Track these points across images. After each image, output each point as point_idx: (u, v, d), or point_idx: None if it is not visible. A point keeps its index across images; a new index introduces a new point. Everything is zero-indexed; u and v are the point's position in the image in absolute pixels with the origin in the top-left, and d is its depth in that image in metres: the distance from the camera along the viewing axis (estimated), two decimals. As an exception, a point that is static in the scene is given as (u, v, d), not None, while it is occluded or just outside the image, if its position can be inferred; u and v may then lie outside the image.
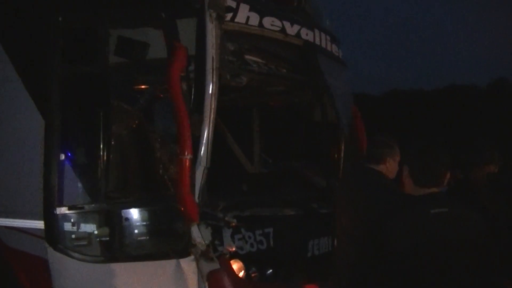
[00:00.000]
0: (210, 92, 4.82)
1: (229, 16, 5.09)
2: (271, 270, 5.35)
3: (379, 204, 4.43)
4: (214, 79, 4.84)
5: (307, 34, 5.90)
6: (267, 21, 5.45)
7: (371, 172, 4.91)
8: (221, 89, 4.98)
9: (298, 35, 5.79)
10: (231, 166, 7.40)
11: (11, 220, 5.31)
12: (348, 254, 4.86)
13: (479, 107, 29.06)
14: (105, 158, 4.84)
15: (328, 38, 6.30)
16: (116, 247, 4.71)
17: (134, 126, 5.25)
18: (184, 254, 4.78)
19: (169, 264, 4.74)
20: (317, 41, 6.05)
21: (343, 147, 6.26)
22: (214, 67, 4.85)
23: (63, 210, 4.66)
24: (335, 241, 5.43)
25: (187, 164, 4.65)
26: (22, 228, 5.22)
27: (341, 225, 5.00)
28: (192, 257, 4.78)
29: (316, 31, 6.05)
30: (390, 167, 4.95)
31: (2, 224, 5.35)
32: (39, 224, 4.78)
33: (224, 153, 7.35)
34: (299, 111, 7.26)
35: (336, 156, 6.35)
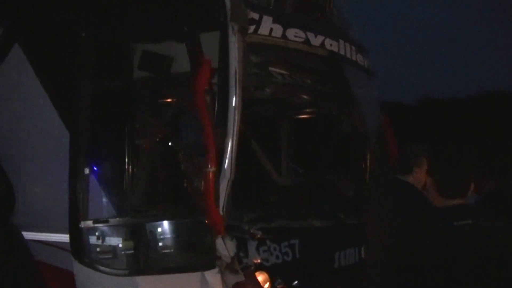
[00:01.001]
0: (234, 105, 4.82)
1: (252, 28, 5.09)
2: (296, 282, 5.33)
3: (405, 216, 4.40)
4: (238, 92, 4.84)
5: (331, 45, 5.87)
6: (291, 32, 5.44)
7: (399, 183, 4.87)
8: (246, 102, 4.98)
9: (322, 45, 5.77)
10: (260, 178, 7.39)
11: (39, 234, 5.36)
12: (378, 264, 4.82)
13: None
14: (130, 171, 4.87)
15: (354, 47, 6.27)
16: (141, 260, 4.72)
17: (159, 139, 5.28)
18: (209, 266, 4.77)
19: (194, 277, 4.74)
20: (342, 51, 6.03)
21: (370, 158, 6.23)
22: (238, 80, 4.84)
23: (88, 223, 4.68)
24: (365, 251, 5.41)
25: (212, 176, 4.65)
26: (50, 241, 5.27)
27: (371, 235, 4.97)
28: (217, 269, 4.78)
29: (341, 41, 6.02)
30: (417, 176, 4.92)
31: (31, 238, 5.40)
32: (66, 238, 4.80)
33: (253, 165, 7.36)
34: (327, 121, 7.23)
35: (364, 166, 6.32)
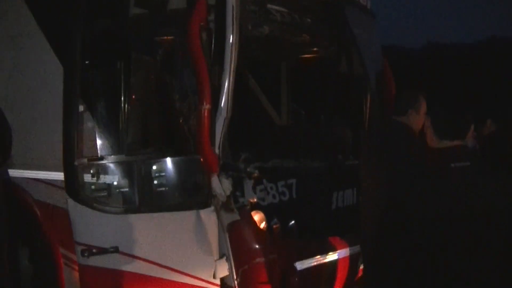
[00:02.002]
0: (231, 42, 4.75)
1: (249, -37, 4.98)
2: (293, 222, 5.32)
3: (397, 158, 4.39)
4: (235, 29, 4.76)
5: (332, -18, 5.75)
6: (290, -31, 5.32)
7: (395, 124, 4.83)
8: (243, 40, 4.89)
9: (322, -17, 5.66)
10: (258, 118, 7.33)
11: (35, 172, 5.33)
12: (373, 207, 4.79)
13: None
14: (125, 109, 4.79)
15: (355, -14, 6.15)
16: (136, 198, 4.69)
17: (154, 78, 5.19)
18: (204, 205, 4.76)
19: (189, 215, 4.72)
20: (343, -11, 5.90)
21: (369, 100, 6.15)
22: (235, 16, 4.76)
23: (83, 161, 4.62)
24: (361, 194, 5.37)
25: (206, 114, 4.60)
26: (46, 179, 5.24)
27: (368, 178, 4.92)
28: (212, 208, 4.76)
29: (343, -21, 5.90)
30: (412, 119, 4.88)
31: (26, 176, 5.37)
32: (61, 176, 4.76)
33: (251, 105, 7.30)
34: (327, 63, 7.13)
35: (362, 109, 6.25)
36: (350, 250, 5.68)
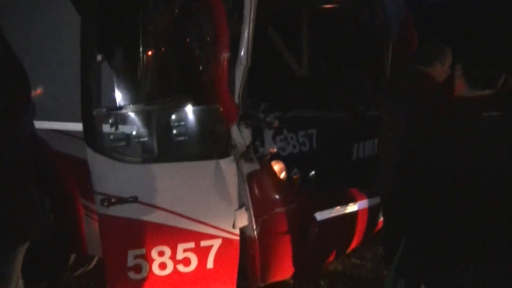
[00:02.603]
0: (251, -11, 4.65)
1: None
2: (313, 172, 5.28)
3: (424, 108, 4.33)
4: (255, -23, 4.65)
5: None
6: None
7: (419, 74, 4.74)
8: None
9: None
10: (279, 68, 7.26)
11: (54, 122, 5.32)
12: (393, 156, 4.74)
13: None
14: (143, 58, 4.74)
15: None
16: (155, 148, 4.66)
17: (173, 26, 5.11)
18: (224, 155, 4.72)
19: (208, 165, 4.69)
20: None
21: (391, 50, 6.06)
22: None
23: (102, 111, 4.59)
24: (381, 144, 5.31)
25: (226, 63, 4.54)
26: (65, 130, 5.23)
27: (387, 127, 4.86)
28: (232, 157, 4.72)
29: None
30: (437, 70, 4.79)
31: (46, 127, 5.36)
32: (80, 126, 4.73)
33: (272, 55, 7.22)
34: (349, 13, 7.02)
35: (384, 59, 6.15)
36: (370, 201, 5.64)
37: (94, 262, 5.89)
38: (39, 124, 5.24)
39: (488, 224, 3.46)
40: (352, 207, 5.50)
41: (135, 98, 4.74)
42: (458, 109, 3.67)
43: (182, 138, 4.73)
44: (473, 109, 3.58)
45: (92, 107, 4.60)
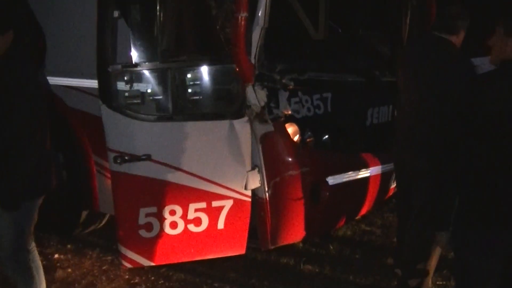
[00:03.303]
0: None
1: None
2: (327, 136, 5.26)
3: (459, 69, 4.34)
4: None
5: None
6: None
7: (443, 41, 4.66)
8: None
9: None
10: (296, 31, 7.20)
11: (69, 79, 5.32)
12: (410, 121, 4.71)
13: None
14: (159, 16, 4.70)
15: None
16: (170, 106, 4.65)
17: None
18: (238, 115, 4.71)
19: (222, 125, 4.68)
20: None
21: (409, 15, 5.99)
22: None
23: (117, 68, 4.57)
24: (396, 110, 5.29)
25: (243, 23, 4.49)
26: (80, 87, 5.23)
27: (404, 92, 4.82)
28: (246, 118, 4.71)
29: None
30: (460, 38, 4.73)
31: (61, 83, 5.36)
32: (95, 83, 4.72)
33: (289, 18, 7.16)
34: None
35: (402, 24, 6.09)
36: (382, 167, 5.63)
37: (105, 220, 5.93)
38: (54, 80, 5.27)
39: None
40: (364, 173, 5.49)
41: (150, 56, 4.71)
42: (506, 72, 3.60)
43: (197, 97, 4.72)
44: None
45: (108, 64, 4.58)
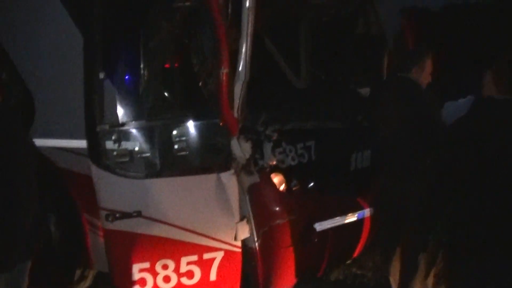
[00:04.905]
0: (248, 5, 4.72)
1: None
2: (312, 184, 5.36)
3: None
4: (251, -7, 4.74)
5: None
6: None
7: (399, 80, 4.92)
8: (260, 2, 4.88)
9: None
10: (277, 81, 7.32)
11: (58, 140, 5.41)
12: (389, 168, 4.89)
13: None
14: (145, 74, 4.85)
15: None
16: (157, 163, 4.76)
17: (173, 42, 5.21)
18: (224, 168, 4.81)
19: (209, 178, 4.77)
20: None
21: (386, 60, 6.16)
22: None
23: (105, 127, 4.69)
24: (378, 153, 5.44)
25: (225, 78, 4.63)
26: (69, 147, 5.32)
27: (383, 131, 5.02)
28: (232, 171, 4.80)
29: None
30: (417, 75, 4.98)
31: (50, 145, 5.45)
32: (84, 143, 4.83)
33: (270, 67, 7.28)
34: (345, 23, 7.11)
35: (380, 68, 6.26)
36: (369, 211, 5.72)
37: (89, 280, 5.96)
38: (44, 142, 5.36)
39: None
40: (351, 217, 5.58)
41: (136, 114, 4.84)
42: (488, 112, 3.73)
43: (184, 152, 4.82)
44: (502, 112, 3.67)
45: (96, 124, 4.70)
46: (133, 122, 4.79)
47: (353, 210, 5.60)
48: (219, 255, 4.87)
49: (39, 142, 5.31)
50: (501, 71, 3.75)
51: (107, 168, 4.71)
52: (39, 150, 5.32)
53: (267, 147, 5.01)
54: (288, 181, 5.12)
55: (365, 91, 6.53)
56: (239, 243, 4.90)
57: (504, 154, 3.52)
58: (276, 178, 5.04)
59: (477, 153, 3.58)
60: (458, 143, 3.70)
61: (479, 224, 3.58)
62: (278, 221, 4.95)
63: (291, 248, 5.03)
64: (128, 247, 4.76)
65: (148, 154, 4.77)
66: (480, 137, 3.60)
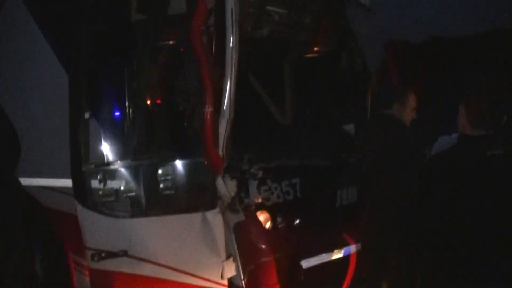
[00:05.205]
0: (231, 45, 4.78)
1: (248, -33, 5.03)
2: (298, 221, 5.38)
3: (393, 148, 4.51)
4: (235, 32, 4.79)
5: (330, -18, 5.79)
6: (289, -30, 5.35)
7: (383, 117, 4.97)
8: (244, 41, 4.94)
9: (320, -17, 5.69)
10: (262, 118, 7.37)
11: (44, 179, 5.41)
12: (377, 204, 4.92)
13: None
14: (129, 114, 4.87)
15: (354, -16, 6.18)
16: (143, 202, 4.76)
17: (157, 81, 5.25)
18: (210, 206, 4.81)
19: (195, 217, 4.78)
20: (341, -12, 5.94)
21: (370, 96, 6.23)
22: (234, 19, 4.80)
23: (90, 167, 4.71)
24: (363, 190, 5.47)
25: (210, 117, 4.67)
26: (54, 187, 5.32)
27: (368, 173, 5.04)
28: (218, 209, 4.81)
29: (341, -22, 5.93)
30: (399, 112, 5.02)
31: (35, 184, 5.45)
32: (69, 182, 4.84)
33: (255, 105, 7.33)
34: (328, 60, 7.18)
35: (364, 105, 6.32)
36: (355, 247, 5.74)
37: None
38: (29, 181, 5.35)
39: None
40: (338, 254, 5.60)
41: (122, 153, 4.84)
42: (462, 148, 3.77)
43: (169, 191, 4.83)
44: (476, 147, 3.70)
45: (81, 163, 4.71)
46: (119, 161, 4.79)
47: (339, 246, 5.61)
48: (206, 294, 4.86)
49: (25, 181, 5.33)
50: (470, 105, 3.80)
51: (92, 207, 4.72)
52: (24, 189, 5.36)
53: (252, 185, 5.04)
54: (273, 219, 5.14)
55: (349, 127, 6.58)
56: (225, 282, 4.89)
57: (471, 195, 3.57)
58: (262, 216, 5.06)
59: (448, 191, 3.62)
60: (431, 179, 3.75)
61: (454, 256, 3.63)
62: (264, 259, 4.95)
63: (277, 286, 5.02)
64: (114, 287, 4.75)
65: (133, 193, 4.76)
66: (451, 175, 3.64)
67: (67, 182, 4.87)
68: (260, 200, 5.07)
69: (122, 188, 4.77)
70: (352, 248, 5.72)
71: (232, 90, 4.79)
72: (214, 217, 4.80)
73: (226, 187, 4.81)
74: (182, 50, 5.24)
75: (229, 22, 4.79)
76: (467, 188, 3.60)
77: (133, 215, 4.77)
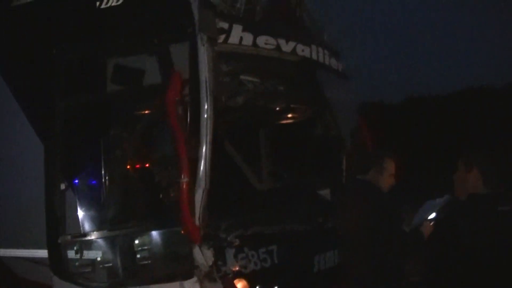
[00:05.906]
0: (206, 114, 4.84)
1: (222, 37, 5.12)
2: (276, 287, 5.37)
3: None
4: (209, 102, 4.85)
5: (303, 50, 5.88)
6: (261, 40, 5.45)
7: (359, 182, 5.01)
8: (219, 110, 5.00)
9: (293, 51, 5.78)
10: (239, 185, 7.39)
11: (19, 250, 5.39)
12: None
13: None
14: (106, 185, 4.90)
15: (326, 52, 6.27)
16: (120, 272, 4.77)
17: (133, 152, 5.31)
18: (187, 276, 4.80)
19: (173, 287, 4.77)
20: (314, 56, 6.03)
21: (344, 160, 6.29)
22: (208, 90, 4.86)
23: (66, 238, 4.72)
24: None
25: (186, 187, 4.69)
26: (30, 257, 5.30)
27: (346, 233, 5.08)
28: (195, 278, 4.81)
29: (313, 46, 6.03)
30: (375, 178, 5.05)
31: (11, 255, 5.43)
32: (45, 253, 4.83)
33: (232, 173, 7.36)
34: (303, 126, 7.26)
35: (338, 169, 6.38)
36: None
37: None
38: (6, 252, 5.34)
39: None
40: (317, 319, 5.58)
41: (98, 224, 4.87)
42: (476, 207, 3.82)
43: (146, 261, 4.84)
44: (490, 205, 3.76)
45: (57, 234, 4.71)
46: (95, 231, 4.82)
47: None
48: None
49: (1, 252, 5.32)
50: (486, 165, 3.88)
51: (69, 278, 4.70)
52: (1, 260, 5.34)
53: (230, 253, 5.04)
54: (252, 287, 5.11)
55: (325, 192, 6.63)
56: None
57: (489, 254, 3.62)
58: (240, 284, 5.04)
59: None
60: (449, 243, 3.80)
61: None
62: (243, 328, 4.93)
63: None
64: None
65: (110, 264, 4.78)
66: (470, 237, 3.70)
67: (43, 253, 4.86)
68: (237, 268, 5.05)
69: (98, 259, 4.79)
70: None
71: (207, 159, 4.82)
72: (192, 287, 4.79)
73: (203, 256, 4.81)
74: (157, 120, 5.32)
75: (203, 92, 4.85)
76: (485, 248, 3.65)
77: (110, 286, 4.76)
